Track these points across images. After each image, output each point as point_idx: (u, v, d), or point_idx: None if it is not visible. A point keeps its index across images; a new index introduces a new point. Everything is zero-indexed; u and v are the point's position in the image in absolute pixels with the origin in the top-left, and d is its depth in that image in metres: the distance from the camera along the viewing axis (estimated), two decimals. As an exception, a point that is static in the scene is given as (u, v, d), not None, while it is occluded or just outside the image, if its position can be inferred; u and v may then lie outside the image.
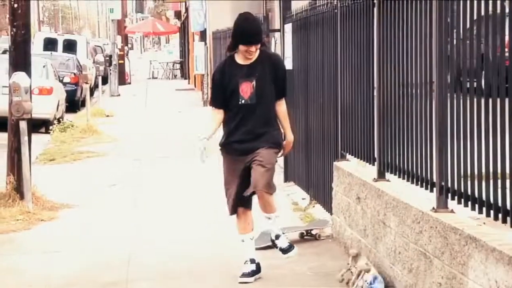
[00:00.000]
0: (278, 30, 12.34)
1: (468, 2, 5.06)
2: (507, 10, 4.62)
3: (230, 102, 6.53)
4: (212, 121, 6.69)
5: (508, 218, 4.60)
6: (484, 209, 4.88)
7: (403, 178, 6.25)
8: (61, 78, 22.13)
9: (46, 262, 7.60)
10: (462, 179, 5.18)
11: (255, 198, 6.59)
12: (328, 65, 8.61)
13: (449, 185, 5.36)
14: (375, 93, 6.92)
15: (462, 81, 5.19)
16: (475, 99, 5.00)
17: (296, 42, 10.30)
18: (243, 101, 6.48)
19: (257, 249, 6.89)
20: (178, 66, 43.37)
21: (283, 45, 11.06)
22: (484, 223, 5.01)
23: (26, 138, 9.59)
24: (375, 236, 6.63)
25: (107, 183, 11.68)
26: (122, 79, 34.34)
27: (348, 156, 7.95)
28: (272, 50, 14.25)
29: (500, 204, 4.69)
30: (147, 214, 9.66)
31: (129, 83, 36.60)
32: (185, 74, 40.03)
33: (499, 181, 4.71)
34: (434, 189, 5.59)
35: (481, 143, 4.89)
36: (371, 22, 7.01)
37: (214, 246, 7.95)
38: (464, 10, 5.13)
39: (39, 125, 18.11)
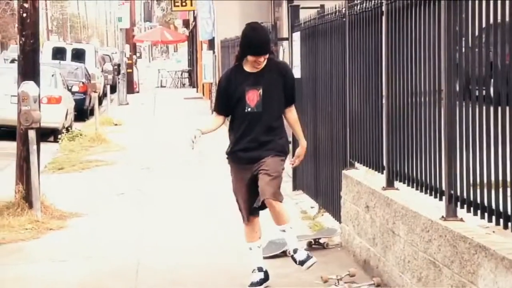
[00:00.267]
0: (286, 39, 12.34)
1: (476, 10, 5.06)
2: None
3: (236, 109, 6.51)
4: (210, 123, 6.70)
5: (518, 227, 4.59)
6: (493, 217, 4.86)
7: (412, 187, 6.24)
8: (69, 87, 22.19)
9: (54, 271, 7.61)
10: (471, 187, 5.16)
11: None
12: (337, 73, 8.61)
13: (458, 193, 5.35)
14: (383, 101, 6.91)
15: (471, 89, 5.18)
16: (484, 107, 4.99)
17: (305, 50, 10.30)
18: (249, 109, 6.46)
19: (264, 258, 6.87)
20: (186, 74, 43.44)
21: (291, 54, 11.06)
22: (493, 231, 4.99)
23: (35, 147, 9.61)
24: (384, 244, 6.61)
25: (116, 191, 11.69)
26: (131, 88, 34.41)
27: (357, 164, 7.94)
28: (280, 58, 14.27)
29: (509, 212, 4.68)
30: (155, 223, 9.66)
31: (138, 92, 36.68)
32: (193, 83, 40.10)
33: (509, 190, 4.70)
34: (443, 197, 5.57)
35: (490, 151, 4.88)
36: (380, 31, 7.01)
37: (222, 254, 7.95)
38: (473, 18, 5.12)
39: (48, 134, 18.16)
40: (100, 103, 25.97)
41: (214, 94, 25.06)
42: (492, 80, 4.89)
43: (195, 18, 35.98)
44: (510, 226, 4.68)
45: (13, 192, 9.88)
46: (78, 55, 30.73)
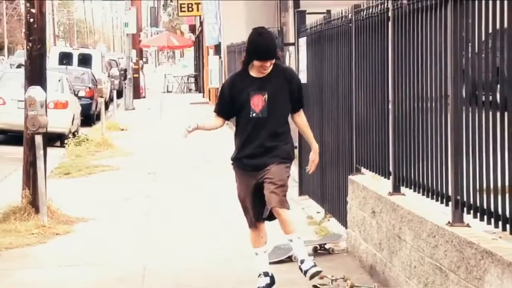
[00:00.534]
0: (293, 44, 12.36)
1: (483, 15, 5.06)
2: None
3: (241, 114, 6.48)
4: (208, 121, 6.73)
5: (525, 232, 4.58)
6: (500, 223, 4.86)
7: (418, 192, 6.24)
8: (76, 92, 22.23)
9: (61, 276, 7.61)
10: (477, 193, 5.16)
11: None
12: (343, 78, 8.61)
13: (465, 199, 5.35)
14: (389, 107, 6.91)
15: (477, 95, 5.17)
16: (490, 113, 4.99)
17: (311, 55, 10.31)
18: (254, 114, 6.42)
19: (270, 263, 6.86)
20: (192, 79, 43.50)
21: (298, 59, 11.07)
22: (500, 237, 4.98)
23: (41, 152, 9.63)
24: (390, 250, 6.61)
25: (122, 196, 11.71)
26: (137, 93, 34.46)
27: (363, 170, 7.94)
28: (287, 63, 14.29)
29: (516, 218, 4.67)
30: (161, 227, 9.67)
31: (144, 97, 36.73)
32: (199, 88, 40.14)
33: (515, 195, 4.69)
34: (450, 203, 5.57)
35: (497, 156, 4.87)
36: (386, 36, 7.01)
37: (228, 259, 7.95)
38: (479, 24, 5.12)
39: (55, 139, 18.20)
40: (106, 108, 26.00)
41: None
42: (498, 85, 4.89)
43: (201, 23, 36.03)
44: (516, 232, 4.67)
45: (20, 197, 9.89)
46: (85, 60, 30.79)
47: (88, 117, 24.04)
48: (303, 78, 10.22)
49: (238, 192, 6.62)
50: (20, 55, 48.10)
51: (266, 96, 6.43)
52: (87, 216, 10.18)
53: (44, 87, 9.86)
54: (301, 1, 18.26)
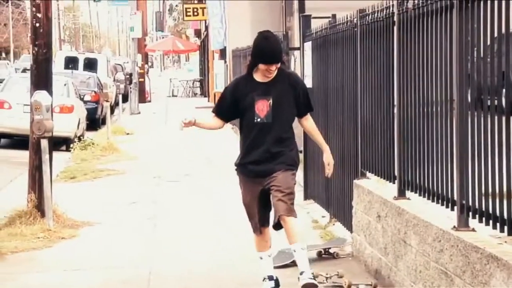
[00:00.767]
0: (298, 48, 12.36)
1: (488, 20, 5.06)
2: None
3: (245, 119, 6.44)
4: (207, 120, 6.67)
5: (530, 237, 4.58)
6: (505, 227, 4.86)
7: (424, 197, 6.23)
8: (81, 96, 22.28)
9: (67, 280, 7.62)
10: (483, 197, 5.16)
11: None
12: (348, 83, 8.62)
13: (470, 203, 5.34)
14: (395, 111, 6.91)
15: (483, 99, 5.17)
16: (495, 117, 4.99)
17: (316, 60, 10.31)
18: (258, 120, 6.37)
19: (275, 267, 6.85)
20: (198, 84, 43.52)
21: (303, 63, 11.07)
22: (505, 241, 4.98)
23: (47, 156, 9.65)
24: (395, 254, 6.60)
25: (128, 201, 11.72)
26: (142, 97, 34.50)
27: (368, 174, 7.94)
28: (292, 68, 14.30)
29: (521, 222, 4.67)
30: (167, 232, 9.68)
31: (149, 101, 36.76)
32: (205, 92, 40.17)
33: (521, 200, 4.69)
34: (455, 207, 5.57)
35: (502, 161, 4.87)
36: (391, 40, 7.02)
37: (232, 262, 7.96)
38: (485, 28, 5.13)
39: (60, 143, 18.23)
40: (112, 112, 26.04)
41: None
42: (504, 89, 4.89)
43: (206, 28, 36.08)
44: (522, 236, 4.67)
45: (26, 201, 9.91)
46: (90, 65, 30.86)
47: (94, 121, 24.07)
48: (308, 82, 10.22)
49: (243, 197, 6.57)
50: (25, 60, 48.24)
51: (270, 101, 6.38)
52: (92, 220, 10.19)
53: (50, 91, 9.88)
54: (306, 2, 18.29)
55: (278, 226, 6.38)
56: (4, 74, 38.03)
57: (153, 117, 28.27)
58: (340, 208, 9.06)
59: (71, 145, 17.94)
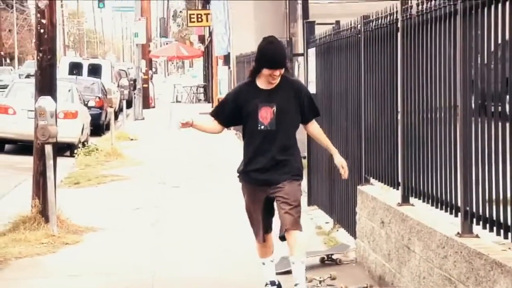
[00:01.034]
0: (302, 54, 12.38)
1: (492, 26, 5.07)
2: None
3: (247, 126, 6.39)
4: (206, 122, 6.59)
5: (534, 243, 4.58)
6: (509, 234, 4.85)
7: (428, 203, 6.23)
8: (86, 102, 22.30)
9: (70, 285, 7.63)
10: (487, 204, 5.16)
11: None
12: (352, 89, 8.62)
13: (474, 210, 5.34)
14: (399, 117, 6.91)
15: (487, 105, 5.18)
16: (499, 123, 4.99)
17: (320, 66, 10.32)
18: (262, 127, 6.32)
19: (277, 274, 6.85)
20: (201, 90, 43.57)
21: (307, 69, 11.09)
22: (509, 248, 4.98)
23: (51, 162, 9.66)
24: (399, 260, 6.60)
25: (132, 206, 11.73)
26: (146, 103, 34.55)
27: (372, 180, 7.94)
28: (296, 74, 14.31)
29: (525, 229, 4.67)
30: (171, 238, 9.68)
31: (153, 107, 36.80)
32: (208, 98, 40.19)
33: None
34: (459, 213, 5.57)
35: (506, 167, 4.87)
36: (395, 47, 7.02)
37: (235, 267, 7.96)
38: (488, 34, 5.13)
39: (64, 149, 18.24)
40: (116, 118, 26.03)
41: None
42: (508, 96, 4.89)
43: (210, 34, 36.12)
44: (526, 243, 4.67)
45: (30, 206, 9.92)
46: (95, 70, 30.92)
47: (98, 127, 24.10)
48: (312, 88, 10.23)
49: (246, 204, 6.54)
50: (29, 66, 48.37)
51: (274, 108, 6.33)
52: (96, 226, 10.20)
53: (54, 97, 9.90)
54: (310, 8, 18.31)
55: (284, 238, 6.36)
56: (8, 80, 38.13)
57: (157, 123, 28.28)
58: (343, 214, 9.06)
59: (75, 151, 17.96)
